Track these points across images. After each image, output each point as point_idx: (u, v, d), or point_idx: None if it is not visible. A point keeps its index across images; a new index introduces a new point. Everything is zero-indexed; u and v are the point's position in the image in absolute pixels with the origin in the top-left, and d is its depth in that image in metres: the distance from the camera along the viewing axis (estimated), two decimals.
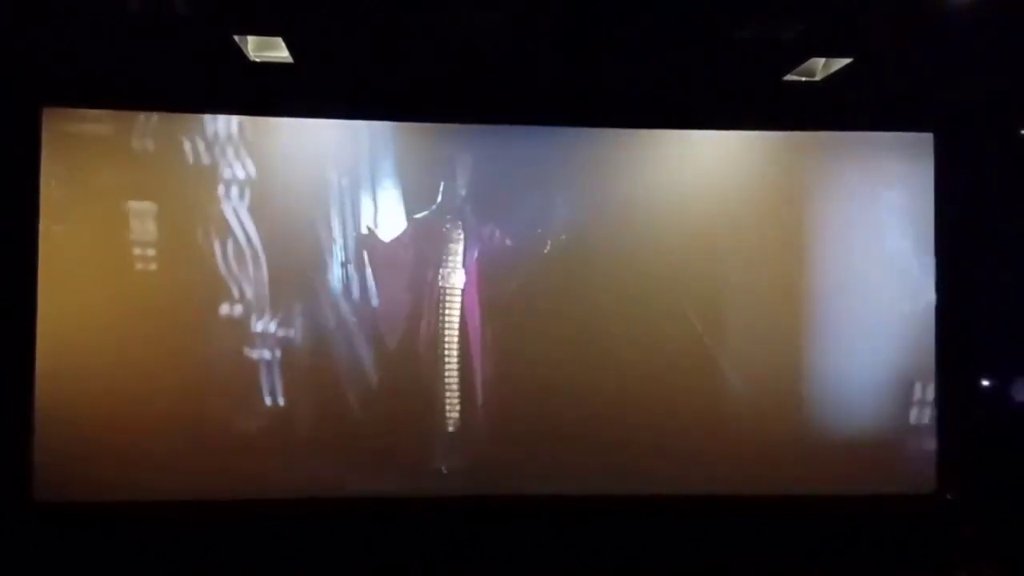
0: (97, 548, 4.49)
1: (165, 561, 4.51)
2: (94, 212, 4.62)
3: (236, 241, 4.69)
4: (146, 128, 4.64)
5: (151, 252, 4.63)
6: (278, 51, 4.22)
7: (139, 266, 4.62)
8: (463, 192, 4.84)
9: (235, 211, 4.70)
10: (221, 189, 4.69)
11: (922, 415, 4.88)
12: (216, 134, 4.70)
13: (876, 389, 4.89)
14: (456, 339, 4.83)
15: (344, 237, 4.76)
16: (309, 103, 4.65)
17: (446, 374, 4.83)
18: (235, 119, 4.71)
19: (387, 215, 4.81)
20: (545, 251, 4.86)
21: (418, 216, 4.84)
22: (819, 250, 4.91)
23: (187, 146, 4.67)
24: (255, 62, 4.27)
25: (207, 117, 4.69)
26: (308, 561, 4.63)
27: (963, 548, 4.75)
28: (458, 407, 4.82)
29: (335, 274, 4.76)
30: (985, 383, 4.87)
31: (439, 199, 4.85)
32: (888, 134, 4.93)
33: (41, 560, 4.44)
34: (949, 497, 4.82)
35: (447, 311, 4.83)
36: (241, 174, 4.71)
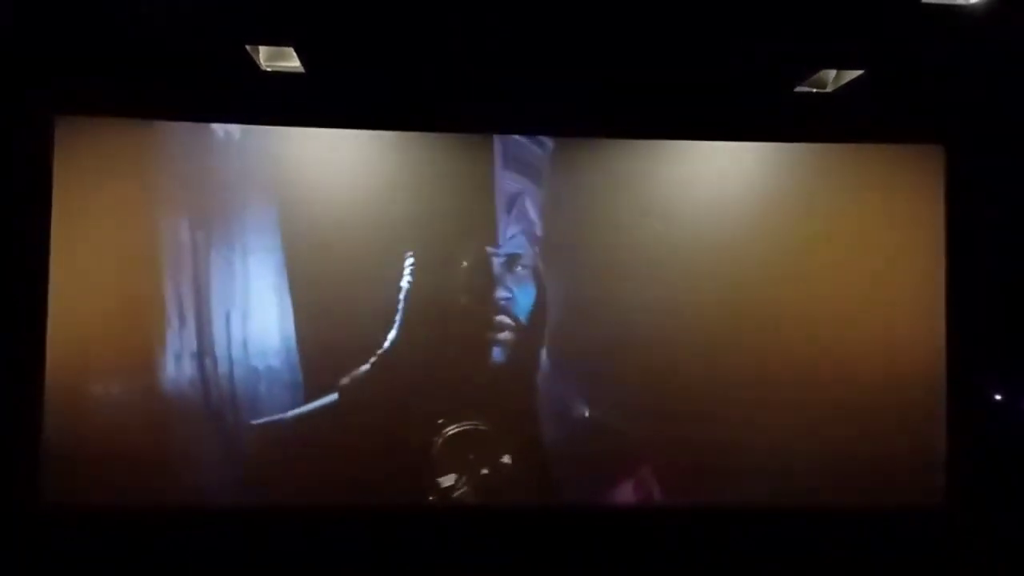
0: (103, 551, 4.51)
1: (169, 565, 4.54)
2: (105, 220, 4.63)
3: (246, 248, 4.70)
4: (158, 137, 4.66)
5: (161, 259, 4.65)
6: (290, 61, 4.24)
7: (149, 273, 4.63)
8: (477, 203, 4.83)
9: (246, 219, 4.71)
10: (232, 198, 4.71)
11: (931, 427, 4.85)
12: (228, 143, 4.71)
13: (884, 400, 4.85)
14: (468, 347, 4.84)
15: (363, 246, 4.75)
16: (321, 113, 4.67)
17: (455, 381, 4.84)
18: (247, 128, 4.72)
19: (401, 223, 4.80)
20: (557, 263, 4.86)
21: (431, 225, 4.82)
22: (828, 261, 4.89)
23: (199, 155, 4.69)
24: (267, 72, 4.30)
25: (219, 126, 4.70)
26: (314, 568, 4.64)
27: (972, 561, 4.73)
28: (469, 415, 4.83)
29: (343, 280, 4.73)
30: (996, 396, 4.85)
31: (449, 209, 4.83)
32: (899, 146, 4.92)
33: (47, 562, 4.46)
34: (958, 509, 4.80)
35: (460, 323, 4.83)
36: (252, 183, 4.72)
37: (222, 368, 4.67)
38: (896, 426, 4.83)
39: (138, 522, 4.58)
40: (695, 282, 4.86)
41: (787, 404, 4.83)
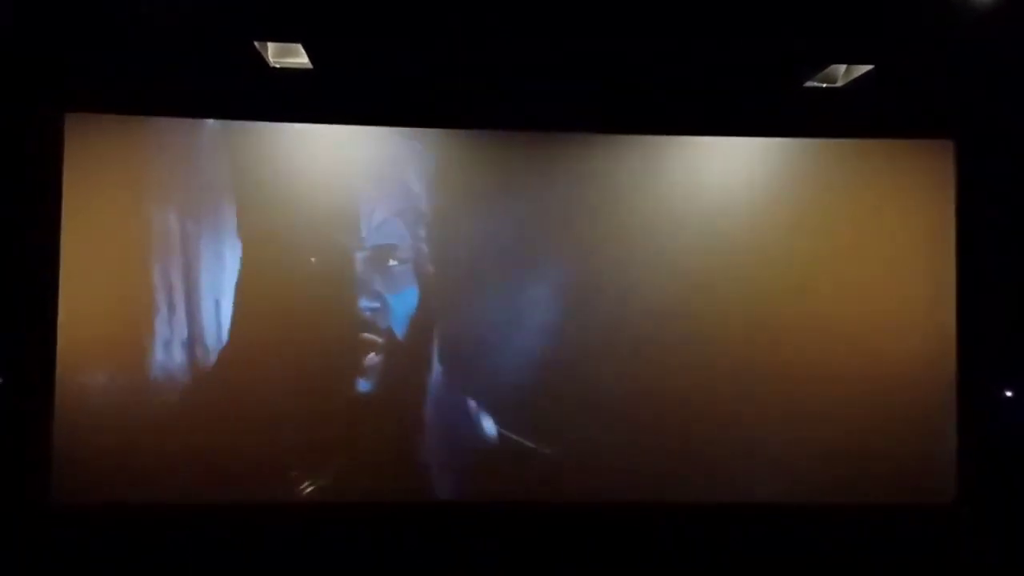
0: (112, 551, 4.53)
1: (179, 564, 4.56)
2: (116, 217, 4.64)
3: (251, 246, 4.70)
4: (167, 134, 4.66)
5: (173, 256, 4.66)
6: (298, 57, 4.24)
7: (161, 271, 4.65)
8: (482, 197, 4.79)
9: (251, 216, 4.71)
10: (240, 195, 4.71)
11: (941, 424, 4.83)
12: (234, 140, 4.72)
13: (895, 397, 4.83)
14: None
15: (364, 245, 4.69)
16: (329, 109, 4.66)
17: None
18: (254, 125, 4.72)
19: (401, 217, 4.75)
20: (562, 258, 4.84)
21: (426, 220, 4.77)
22: (837, 257, 4.87)
23: (206, 152, 4.69)
24: (275, 68, 4.30)
25: (227, 123, 4.70)
26: (316, 563, 4.66)
27: (982, 559, 4.71)
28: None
29: (347, 281, 4.69)
30: (1007, 393, 4.82)
31: (452, 204, 4.80)
32: (908, 141, 4.90)
33: (58, 562, 4.49)
34: (968, 507, 4.77)
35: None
36: (258, 180, 4.72)
37: (231, 367, 4.67)
38: (906, 423, 4.81)
39: (148, 520, 4.60)
40: (697, 277, 4.83)
41: (795, 401, 4.81)
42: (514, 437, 4.75)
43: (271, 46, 4.27)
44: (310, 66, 4.27)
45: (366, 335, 4.65)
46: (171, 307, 4.65)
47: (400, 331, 4.63)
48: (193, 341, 4.66)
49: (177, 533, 4.59)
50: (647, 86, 4.58)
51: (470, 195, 4.69)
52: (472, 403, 4.74)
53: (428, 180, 4.55)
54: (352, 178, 4.72)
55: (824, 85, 4.51)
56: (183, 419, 4.62)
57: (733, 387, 4.82)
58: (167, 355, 4.64)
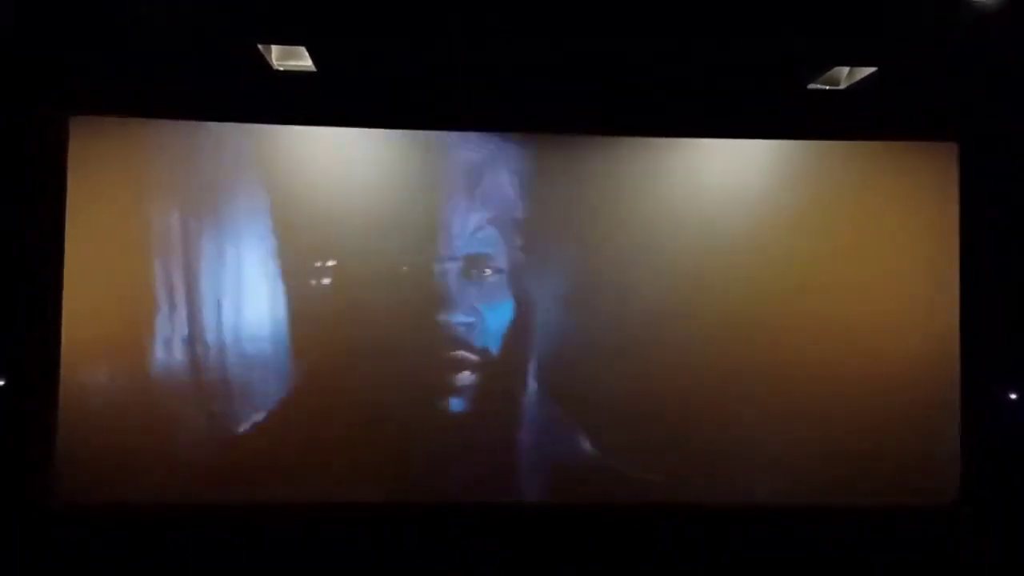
0: (112, 551, 4.54)
1: (179, 564, 4.56)
2: (119, 220, 4.65)
3: (255, 247, 4.72)
4: (170, 136, 4.67)
5: (175, 258, 4.67)
6: (301, 60, 4.23)
7: (163, 273, 4.66)
8: (490, 202, 4.77)
9: (256, 218, 4.73)
10: (244, 197, 4.72)
11: (945, 425, 4.83)
12: (239, 142, 4.73)
13: (895, 397, 4.83)
14: (476, 348, 4.74)
15: (365, 247, 4.72)
16: (332, 112, 4.67)
17: (465, 381, 4.74)
18: (257, 128, 4.73)
19: (411, 219, 4.76)
20: (569, 260, 4.84)
21: (437, 221, 4.78)
22: (841, 259, 4.87)
23: (211, 154, 4.70)
24: (279, 71, 4.30)
25: (231, 126, 4.71)
26: (327, 565, 4.67)
27: (985, 559, 4.71)
28: (461, 414, 4.72)
29: (350, 280, 4.72)
30: (1010, 395, 4.81)
31: (459, 206, 4.80)
32: (912, 144, 4.89)
33: (58, 562, 4.49)
34: (971, 508, 4.78)
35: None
36: (263, 182, 4.73)
37: (235, 368, 4.69)
38: (907, 423, 4.82)
39: (148, 520, 4.61)
40: (701, 278, 4.83)
41: (795, 401, 4.81)
42: (514, 438, 4.75)
43: (274, 49, 4.27)
44: (313, 68, 4.26)
45: (364, 334, 4.67)
46: (172, 307, 4.66)
47: (399, 330, 4.66)
48: (194, 341, 4.67)
49: (177, 533, 4.59)
50: (647, 86, 4.58)
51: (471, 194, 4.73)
52: (471, 404, 4.74)
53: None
54: (349, 178, 4.76)
55: (827, 87, 4.51)
56: (183, 419, 4.63)
57: (733, 387, 4.82)
58: (168, 355, 4.65)
